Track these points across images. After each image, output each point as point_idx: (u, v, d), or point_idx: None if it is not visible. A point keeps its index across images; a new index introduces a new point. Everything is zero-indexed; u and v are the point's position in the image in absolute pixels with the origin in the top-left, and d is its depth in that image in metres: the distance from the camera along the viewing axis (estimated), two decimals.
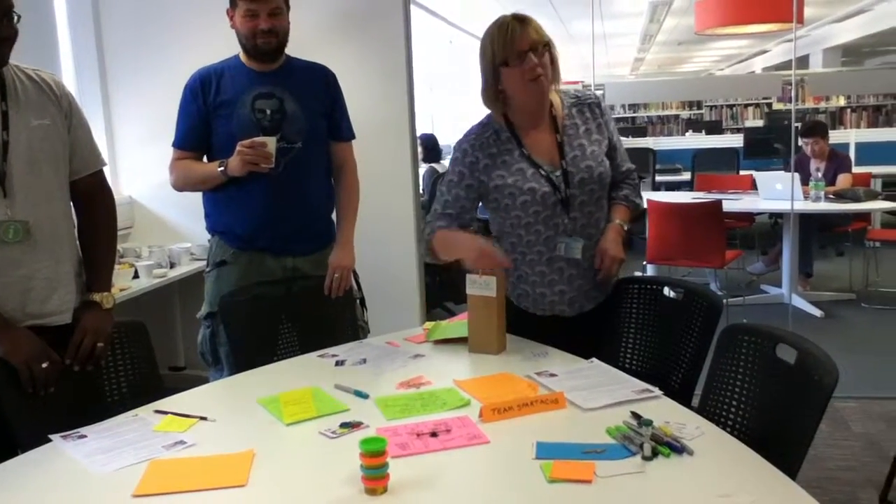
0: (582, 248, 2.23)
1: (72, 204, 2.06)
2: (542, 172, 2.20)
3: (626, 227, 2.31)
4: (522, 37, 2.12)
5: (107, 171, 2.17)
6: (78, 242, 2.08)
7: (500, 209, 2.26)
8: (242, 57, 2.56)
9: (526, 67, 2.12)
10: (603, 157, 2.26)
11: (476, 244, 2.13)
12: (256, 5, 2.43)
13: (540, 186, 2.19)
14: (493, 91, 2.22)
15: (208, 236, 2.69)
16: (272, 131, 2.49)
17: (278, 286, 2.55)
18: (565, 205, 2.21)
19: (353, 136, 2.74)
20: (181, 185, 2.60)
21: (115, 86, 3.97)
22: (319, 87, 2.64)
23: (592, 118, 2.28)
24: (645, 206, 2.37)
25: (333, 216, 2.75)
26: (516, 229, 2.25)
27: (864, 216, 6.29)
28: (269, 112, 2.51)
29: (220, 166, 2.46)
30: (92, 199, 2.09)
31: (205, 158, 2.60)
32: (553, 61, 2.17)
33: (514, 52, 2.12)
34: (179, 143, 2.58)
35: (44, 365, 1.83)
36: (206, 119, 2.53)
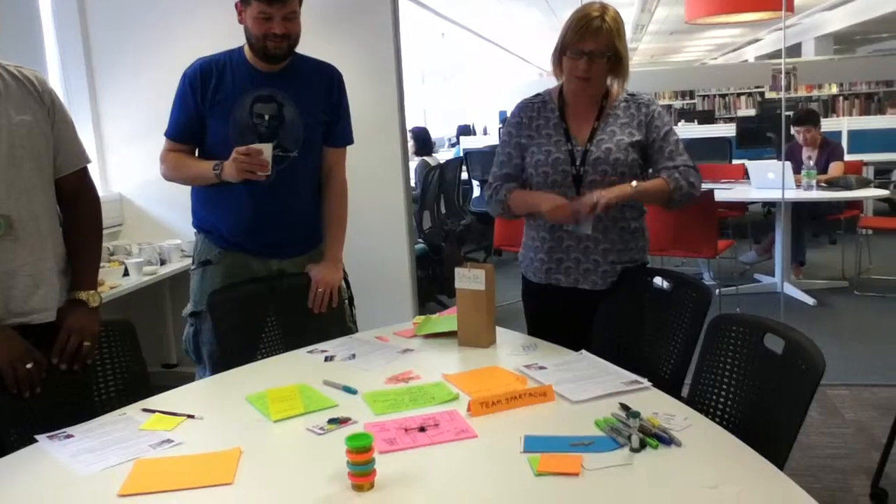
0: (591, 224, 2.30)
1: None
2: (567, 144, 2.35)
3: (635, 188, 2.28)
4: (591, 38, 2.25)
5: (95, 168, 2.16)
6: (63, 240, 2.06)
7: (527, 168, 2.43)
8: (247, 52, 2.46)
9: (574, 67, 2.29)
10: (628, 148, 2.33)
11: (553, 199, 2.29)
12: (272, 9, 2.31)
13: (556, 152, 2.35)
14: (558, 60, 2.36)
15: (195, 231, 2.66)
16: (268, 137, 2.42)
17: (265, 283, 2.53)
18: (576, 180, 2.34)
19: (348, 143, 2.65)
20: (171, 178, 2.54)
21: (103, 82, 3.95)
22: (323, 91, 2.54)
23: (637, 114, 2.37)
24: (696, 193, 2.42)
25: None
26: (533, 189, 2.41)
27: (857, 204, 6.29)
28: (267, 117, 2.43)
29: (214, 168, 2.39)
30: (76, 196, 2.07)
31: (196, 151, 2.56)
32: (618, 67, 2.32)
33: (575, 47, 2.27)
34: (172, 135, 2.51)
35: (28, 366, 1.82)
36: (201, 114, 2.46)
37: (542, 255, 2.44)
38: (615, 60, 2.30)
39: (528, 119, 2.44)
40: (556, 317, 2.40)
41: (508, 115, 2.53)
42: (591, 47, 2.25)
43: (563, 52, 2.32)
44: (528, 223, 2.50)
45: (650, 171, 2.43)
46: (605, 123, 2.37)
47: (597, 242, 2.37)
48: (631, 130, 2.36)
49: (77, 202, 2.07)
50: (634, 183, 2.30)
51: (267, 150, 2.33)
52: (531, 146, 2.40)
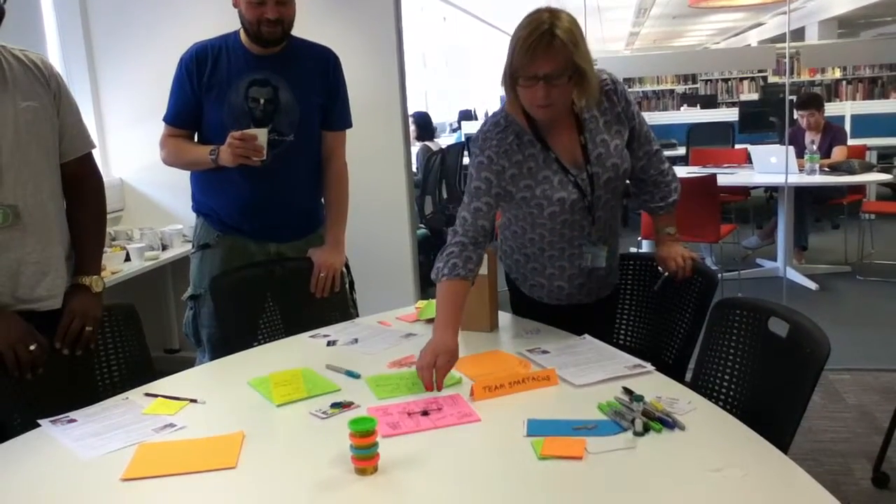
0: (605, 254, 2.16)
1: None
2: (570, 178, 2.05)
3: (676, 232, 2.26)
4: (543, 58, 1.86)
5: (96, 153, 2.14)
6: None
7: (522, 212, 2.13)
8: (242, 36, 2.45)
9: (531, 95, 1.91)
10: (624, 150, 2.11)
11: (433, 356, 1.77)
12: None
13: (569, 195, 2.05)
14: (511, 88, 1.97)
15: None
16: (264, 121, 2.42)
17: (266, 267, 2.53)
18: (590, 208, 2.10)
19: (347, 126, 2.64)
20: (171, 163, 2.54)
21: (103, 66, 3.93)
22: (319, 74, 2.53)
23: (611, 107, 2.08)
24: (678, 196, 2.29)
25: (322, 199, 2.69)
26: (537, 229, 2.15)
27: (860, 188, 6.27)
28: (262, 101, 2.43)
29: (211, 153, 2.39)
30: (81, 182, 2.06)
31: (196, 135, 2.55)
32: (581, 83, 1.93)
33: (526, 73, 1.89)
34: (170, 120, 2.51)
35: (31, 347, 1.82)
36: (198, 99, 2.46)
37: (560, 283, 2.21)
38: (577, 77, 1.92)
39: (514, 166, 2.05)
40: (570, 324, 2.21)
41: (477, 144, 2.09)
42: (547, 69, 1.86)
43: (515, 79, 1.93)
44: (530, 251, 2.21)
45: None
46: (591, 132, 2.06)
47: (612, 254, 2.26)
48: (617, 128, 2.09)
49: (81, 187, 2.06)
50: (670, 229, 2.25)
51: (262, 134, 2.33)
52: (535, 199, 2.07)
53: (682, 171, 6.03)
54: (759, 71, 12.50)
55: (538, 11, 1.90)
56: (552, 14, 1.88)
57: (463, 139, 8.05)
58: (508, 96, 2.00)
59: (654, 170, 2.22)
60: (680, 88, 13.81)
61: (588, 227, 2.13)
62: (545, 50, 1.85)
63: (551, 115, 1.98)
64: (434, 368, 1.76)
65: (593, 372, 1.80)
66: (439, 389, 1.74)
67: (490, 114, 2.18)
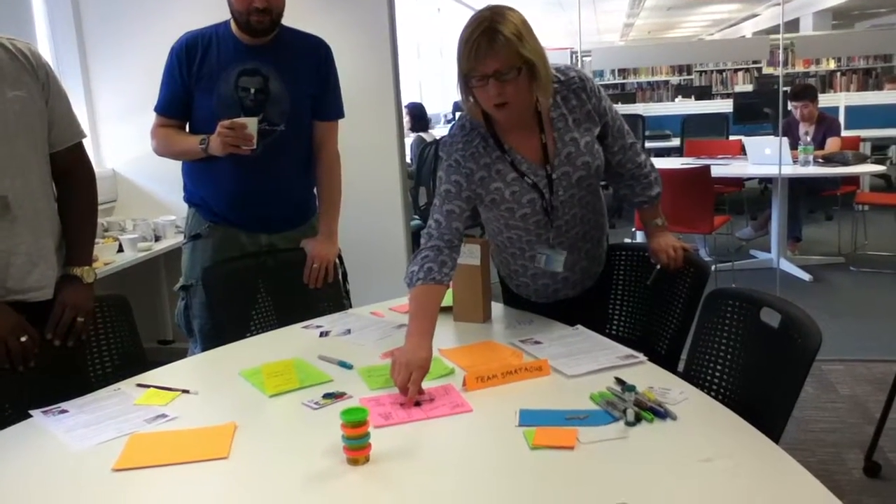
0: (564, 259, 2.13)
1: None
2: (529, 181, 2.02)
3: (664, 223, 2.26)
4: (487, 59, 1.83)
5: (88, 143, 2.13)
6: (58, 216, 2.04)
7: (494, 214, 2.13)
8: (233, 26, 2.45)
9: (485, 95, 1.88)
10: (596, 146, 2.07)
11: (408, 373, 1.67)
12: None
13: (538, 197, 2.04)
14: (466, 93, 1.96)
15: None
16: (254, 111, 2.41)
17: (258, 258, 2.53)
18: (547, 210, 2.07)
19: (339, 116, 2.63)
20: (161, 153, 2.54)
21: (94, 56, 3.91)
22: (310, 64, 2.53)
23: (580, 105, 2.04)
24: (660, 189, 2.26)
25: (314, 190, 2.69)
26: (512, 230, 2.15)
27: (853, 180, 6.29)
28: (252, 91, 2.42)
29: (201, 143, 2.39)
30: (71, 172, 2.04)
31: (187, 125, 2.54)
32: (534, 77, 1.89)
33: (475, 74, 1.86)
34: (161, 110, 2.51)
35: (22, 339, 1.81)
36: (188, 88, 2.45)
37: (544, 281, 2.22)
38: (528, 70, 1.87)
39: (482, 168, 2.03)
40: (560, 318, 2.21)
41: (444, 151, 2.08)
42: (495, 66, 1.83)
43: (468, 81, 1.91)
44: (510, 252, 2.21)
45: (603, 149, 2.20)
46: (558, 132, 2.02)
47: (595, 244, 2.26)
48: (587, 125, 2.05)
49: (72, 177, 2.05)
50: (658, 221, 2.25)
51: (251, 123, 2.33)
52: (505, 203, 2.06)
53: (676, 163, 6.04)
54: (754, 62, 12.52)
55: (480, 11, 1.87)
56: (493, 11, 1.85)
57: None
58: (467, 101, 1.97)
59: (631, 164, 2.19)
60: (675, 79, 13.82)
61: (551, 227, 2.10)
62: (488, 46, 1.82)
63: (510, 114, 1.94)
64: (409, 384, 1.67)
65: (586, 362, 1.81)
66: (414, 402, 1.66)
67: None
